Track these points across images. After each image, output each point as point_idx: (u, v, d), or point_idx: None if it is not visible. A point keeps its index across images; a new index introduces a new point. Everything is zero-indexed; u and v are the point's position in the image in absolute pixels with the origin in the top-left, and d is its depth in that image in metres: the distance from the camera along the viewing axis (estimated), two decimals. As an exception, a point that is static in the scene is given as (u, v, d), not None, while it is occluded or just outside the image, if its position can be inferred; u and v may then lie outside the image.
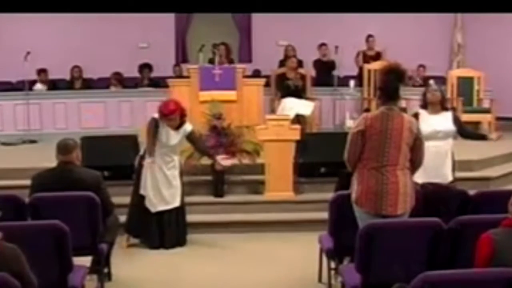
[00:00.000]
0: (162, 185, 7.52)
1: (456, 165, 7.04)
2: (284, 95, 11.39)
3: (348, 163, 5.40)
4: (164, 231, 7.55)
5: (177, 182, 7.61)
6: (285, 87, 11.47)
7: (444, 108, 6.90)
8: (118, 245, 6.86)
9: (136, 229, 7.64)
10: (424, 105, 6.86)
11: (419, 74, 13.17)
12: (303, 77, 11.79)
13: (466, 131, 7.15)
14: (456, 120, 6.91)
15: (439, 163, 6.63)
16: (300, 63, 12.35)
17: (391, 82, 5.30)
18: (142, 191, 7.55)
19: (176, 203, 7.58)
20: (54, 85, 13.02)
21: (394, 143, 5.21)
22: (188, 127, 7.55)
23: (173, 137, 7.47)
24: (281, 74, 11.76)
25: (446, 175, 6.67)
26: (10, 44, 13.23)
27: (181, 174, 7.75)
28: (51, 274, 4.73)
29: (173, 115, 7.36)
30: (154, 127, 7.40)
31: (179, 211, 7.64)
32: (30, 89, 12.21)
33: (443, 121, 6.74)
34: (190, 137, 7.60)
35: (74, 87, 12.90)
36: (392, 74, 5.30)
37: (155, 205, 7.53)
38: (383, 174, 5.21)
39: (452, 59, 14.46)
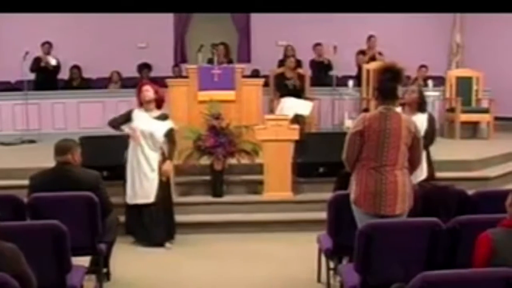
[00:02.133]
0: (136, 178, 7.56)
1: (435, 164, 7.06)
2: (282, 95, 11.41)
3: (347, 163, 5.40)
4: (143, 226, 7.62)
5: (153, 178, 7.56)
6: (284, 87, 11.49)
7: (421, 110, 6.84)
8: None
9: (128, 225, 7.74)
10: (401, 104, 6.78)
11: (421, 75, 13.13)
12: (301, 77, 11.80)
13: (426, 140, 6.93)
14: (430, 123, 6.83)
15: None
16: (298, 63, 12.35)
17: (387, 82, 5.28)
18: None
19: (150, 199, 7.56)
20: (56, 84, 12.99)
21: (393, 143, 5.20)
22: (171, 123, 7.69)
23: (154, 124, 7.54)
24: (279, 74, 11.78)
25: (416, 175, 6.62)
26: (9, 44, 13.22)
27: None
28: (50, 274, 4.73)
29: (146, 86, 7.67)
30: (126, 113, 7.72)
31: (160, 208, 7.62)
32: (38, 64, 12.32)
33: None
34: (169, 133, 7.63)
35: (72, 86, 12.88)
36: (387, 73, 5.29)
37: (130, 197, 7.61)
38: (382, 174, 5.21)
39: (451, 59, 14.45)
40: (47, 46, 12.72)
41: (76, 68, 13.09)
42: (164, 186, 7.64)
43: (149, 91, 7.61)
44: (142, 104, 7.65)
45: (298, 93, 11.48)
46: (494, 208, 4.38)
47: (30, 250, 4.13)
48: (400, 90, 5.45)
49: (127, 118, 7.67)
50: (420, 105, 6.87)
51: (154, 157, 7.58)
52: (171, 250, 7.54)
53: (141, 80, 12.95)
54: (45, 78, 12.61)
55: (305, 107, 11.13)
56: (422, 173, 6.71)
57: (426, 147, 6.86)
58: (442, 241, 4.73)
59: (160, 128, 7.56)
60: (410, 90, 6.90)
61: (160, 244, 7.59)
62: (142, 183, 7.55)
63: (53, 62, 12.61)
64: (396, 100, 5.38)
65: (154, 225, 7.60)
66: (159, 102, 7.70)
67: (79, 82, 13.05)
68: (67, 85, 12.98)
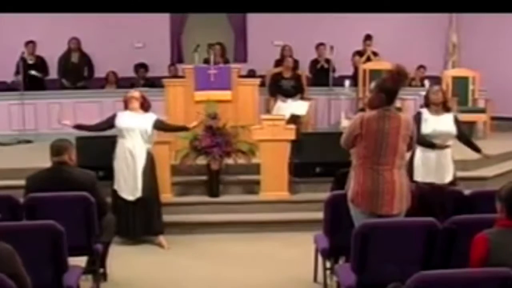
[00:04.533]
0: (127, 174, 7.60)
1: (455, 166, 7.10)
2: (276, 95, 11.41)
3: (344, 147, 5.50)
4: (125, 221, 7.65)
5: (140, 173, 7.60)
6: (278, 87, 11.47)
7: (446, 109, 6.95)
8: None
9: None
10: (427, 105, 6.92)
11: (418, 75, 13.15)
12: (299, 77, 11.77)
13: (464, 137, 7.17)
14: (457, 123, 6.96)
15: (440, 163, 6.74)
16: (296, 64, 12.33)
17: (398, 89, 5.30)
18: (115, 186, 7.70)
19: (138, 194, 7.59)
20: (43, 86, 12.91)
21: (391, 143, 5.22)
22: (154, 115, 7.75)
23: (137, 120, 7.62)
24: (276, 74, 11.76)
25: (446, 175, 6.76)
26: (5, 44, 13.20)
27: (152, 169, 7.73)
28: (46, 274, 4.73)
29: (134, 94, 7.77)
30: (110, 119, 7.78)
31: (144, 203, 7.64)
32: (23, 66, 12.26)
33: (444, 123, 6.81)
34: (158, 124, 7.72)
35: (71, 60, 12.73)
36: (401, 82, 5.29)
37: (128, 193, 7.62)
38: (380, 173, 5.22)
39: (447, 59, 14.47)
40: (31, 46, 12.64)
41: (75, 40, 12.78)
42: (148, 181, 7.65)
43: (137, 102, 7.73)
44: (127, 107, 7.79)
45: (294, 93, 11.45)
46: (490, 208, 4.38)
47: (26, 251, 4.12)
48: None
49: (110, 124, 7.76)
50: (445, 105, 6.95)
51: (143, 151, 7.62)
52: (168, 250, 7.54)
53: (138, 80, 13.07)
54: (31, 81, 12.44)
55: (301, 107, 11.12)
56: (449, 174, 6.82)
57: (472, 146, 7.08)
58: (438, 241, 4.74)
59: (145, 121, 7.65)
60: (435, 90, 7.00)
61: (135, 240, 7.66)
62: (134, 180, 7.57)
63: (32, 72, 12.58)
64: (395, 101, 5.40)
65: (135, 218, 7.63)
66: (145, 108, 7.80)
67: (78, 57, 12.80)
68: (67, 59, 12.74)
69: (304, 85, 11.89)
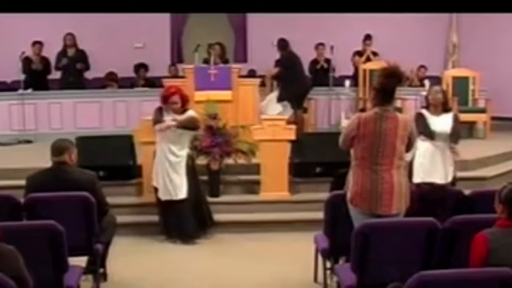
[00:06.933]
0: (166, 176, 7.69)
1: (455, 166, 7.09)
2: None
3: (342, 147, 5.52)
4: (174, 222, 7.80)
5: (181, 175, 7.71)
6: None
7: (446, 109, 6.95)
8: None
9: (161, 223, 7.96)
10: (427, 106, 6.93)
11: (419, 75, 13.16)
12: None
13: (454, 136, 7.14)
14: (454, 122, 6.95)
15: (438, 162, 6.74)
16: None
17: (391, 86, 5.30)
18: (154, 183, 7.82)
19: (180, 195, 7.69)
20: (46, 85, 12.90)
21: (389, 143, 5.22)
22: (191, 112, 7.81)
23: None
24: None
25: (445, 174, 6.75)
26: (5, 44, 13.20)
27: (193, 169, 7.87)
28: (47, 274, 4.73)
29: (174, 96, 7.70)
30: (158, 112, 7.75)
31: (189, 204, 7.77)
32: (28, 65, 12.31)
33: (443, 122, 6.79)
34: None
35: (67, 55, 12.64)
36: (393, 78, 5.29)
37: (163, 193, 7.74)
38: (378, 174, 5.22)
39: (447, 59, 14.47)
40: (38, 46, 12.63)
41: (70, 36, 12.69)
42: (192, 182, 7.79)
43: (177, 104, 7.72)
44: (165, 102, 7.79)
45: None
46: (490, 208, 4.38)
47: (26, 251, 4.12)
48: (398, 90, 5.46)
49: (161, 114, 7.76)
50: (445, 105, 6.94)
51: (183, 154, 7.76)
52: (168, 250, 7.54)
53: (138, 81, 13.05)
54: (35, 79, 12.44)
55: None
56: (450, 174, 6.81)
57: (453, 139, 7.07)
58: (438, 241, 4.74)
59: None
60: (434, 91, 7.00)
61: (190, 238, 7.76)
62: (172, 181, 7.68)
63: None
64: (393, 101, 5.40)
65: (183, 220, 7.74)
66: (184, 104, 7.83)
67: (74, 51, 12.77)
68: (63, 55, 12.71)
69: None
